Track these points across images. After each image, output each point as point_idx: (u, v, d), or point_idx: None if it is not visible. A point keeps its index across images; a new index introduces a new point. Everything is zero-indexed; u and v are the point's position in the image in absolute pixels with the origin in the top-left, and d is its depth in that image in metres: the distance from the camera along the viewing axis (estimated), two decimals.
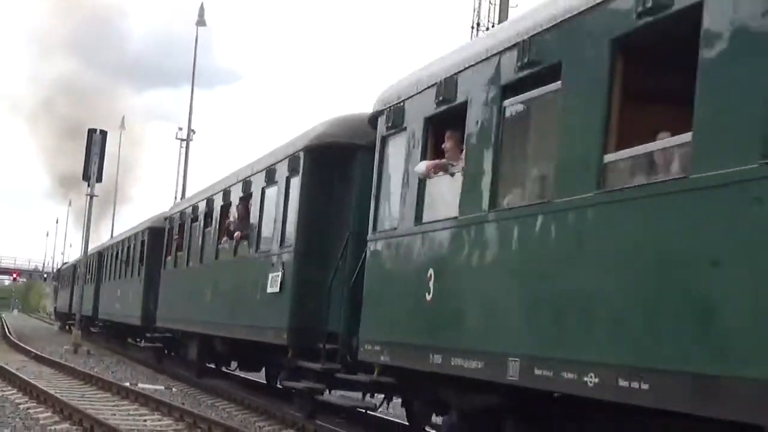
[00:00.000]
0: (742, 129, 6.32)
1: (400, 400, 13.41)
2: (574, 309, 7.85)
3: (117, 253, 38.05)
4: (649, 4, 7.19)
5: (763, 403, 5.88)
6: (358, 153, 14.54)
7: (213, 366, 23.48)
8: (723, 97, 6.54)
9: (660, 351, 6.80)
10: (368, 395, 13.59)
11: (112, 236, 54.62)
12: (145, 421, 15.61)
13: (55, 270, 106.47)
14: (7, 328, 53.49)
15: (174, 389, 21.61)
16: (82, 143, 37.12)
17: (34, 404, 16.72)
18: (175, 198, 51.87)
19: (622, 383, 7.03)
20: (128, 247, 35.08)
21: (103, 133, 36.16)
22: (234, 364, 22.20)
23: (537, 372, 8.07)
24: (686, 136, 6.88)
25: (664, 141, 7.38)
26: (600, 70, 7.82)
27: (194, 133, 53.16)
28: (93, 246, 46.57)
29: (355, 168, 14.66)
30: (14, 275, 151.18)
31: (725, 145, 6.45)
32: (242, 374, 24.07)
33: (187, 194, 42.31)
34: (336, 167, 15.24)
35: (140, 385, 21.64)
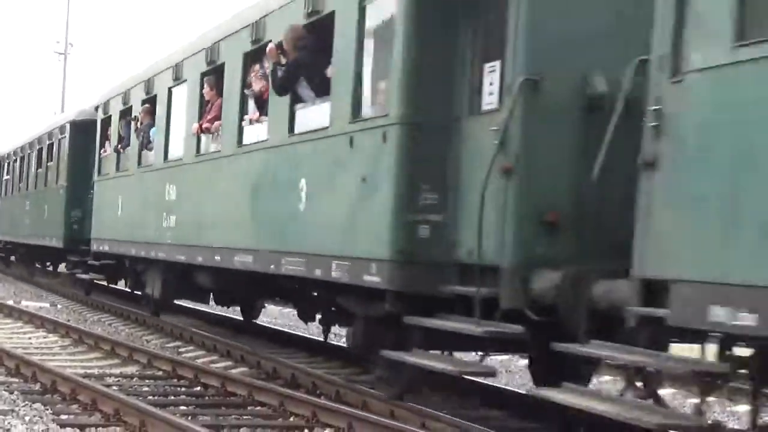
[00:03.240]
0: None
1: None
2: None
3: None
4: None
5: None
6: None
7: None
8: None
9: None
10: None
11: None
12: (29, 338, 15.41)
13: None
14: None
15: (59, 306, 21.36)
16: None
17: None
18: (54, 113, 50.69)
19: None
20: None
21: None
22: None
23: None
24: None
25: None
26: None
27: (72, 46, 51.86)
28: None
29: None
30: None
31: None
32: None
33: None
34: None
35: (24, 302, 21.31)
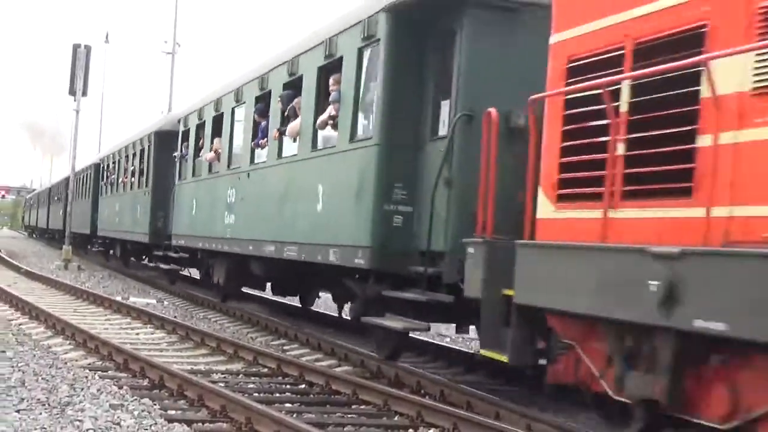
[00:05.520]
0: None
1: None
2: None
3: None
4: None
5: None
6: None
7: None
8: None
9: None
10: None
11: (99, 151, 54.23)
12: (137, 334, 15.65)
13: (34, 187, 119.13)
14: None
15: (165, 302, 21.67)
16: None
17: (26, 320, 16.72)
18: (162, 112, 51.44)
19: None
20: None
21: (88, 48, 35.79)
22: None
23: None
24: None
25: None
26: None
27: (179, 46, 52.56)
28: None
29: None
30: (2, 193, 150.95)
31: None
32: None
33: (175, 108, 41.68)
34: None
35: (132, 298, 21.69)
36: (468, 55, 10.92)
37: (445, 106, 11.21)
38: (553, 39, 8.68)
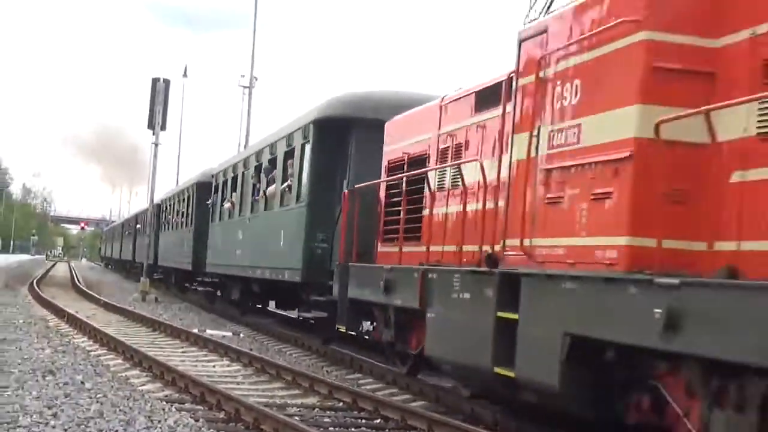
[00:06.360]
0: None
1: None
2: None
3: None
4: None
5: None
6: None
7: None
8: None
9: None
10: None
11: (177, 183, 55.06)
12: (214, 366, 15.74)
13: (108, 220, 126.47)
14: (76, 277, 54.27)
15: (241, 335, 21.79)
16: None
17: (105, 351, 16.92)
18: (239, 145, 51.88)
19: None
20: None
21: (167, 82, 36.31)
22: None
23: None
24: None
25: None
26: None
27: (257, 80, 53.01)
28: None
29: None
30: (82, 225, 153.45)
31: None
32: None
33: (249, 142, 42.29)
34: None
35: (208, 331, 21.83)
36: (354, 153, 17.73)
37: (345, 183, 17.52)
38: (384, 149, 15.38)
